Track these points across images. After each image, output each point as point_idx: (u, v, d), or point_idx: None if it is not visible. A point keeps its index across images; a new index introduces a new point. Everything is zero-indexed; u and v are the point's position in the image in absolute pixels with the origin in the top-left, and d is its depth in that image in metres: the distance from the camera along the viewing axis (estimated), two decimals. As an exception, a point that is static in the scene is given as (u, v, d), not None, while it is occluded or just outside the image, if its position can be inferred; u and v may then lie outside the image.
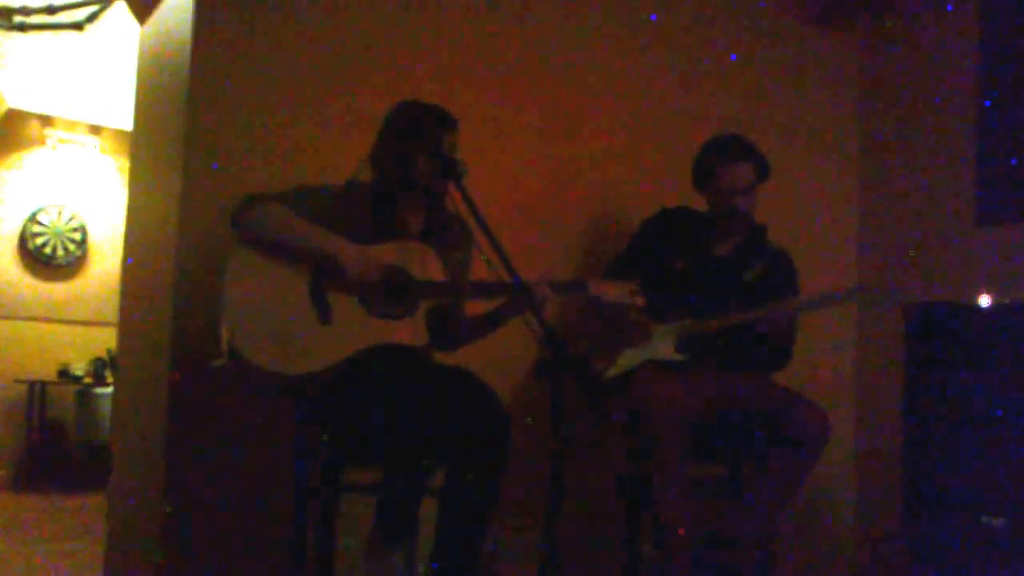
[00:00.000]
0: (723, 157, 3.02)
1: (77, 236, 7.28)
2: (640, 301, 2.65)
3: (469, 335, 2.73)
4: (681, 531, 2.74)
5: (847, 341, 4.20)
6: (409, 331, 2.45)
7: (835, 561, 4.09)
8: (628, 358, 2.99)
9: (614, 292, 2.62)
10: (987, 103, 3.80)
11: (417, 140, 2.53)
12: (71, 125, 7.26)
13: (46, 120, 7.18)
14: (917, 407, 3.64)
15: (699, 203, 3.18)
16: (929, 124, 4.04)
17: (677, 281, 3.07)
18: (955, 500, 3.45)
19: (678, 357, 2.98)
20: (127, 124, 4.04)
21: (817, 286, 3.14)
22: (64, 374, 6.89)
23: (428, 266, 2.51)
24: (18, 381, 6.78)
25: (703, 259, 3.11)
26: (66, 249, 7.22)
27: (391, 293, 2.46)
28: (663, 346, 3.00)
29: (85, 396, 6.75)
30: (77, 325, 7.17)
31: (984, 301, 3.42)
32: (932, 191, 4.00)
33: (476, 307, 2.71)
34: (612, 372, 2.99)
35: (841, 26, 4.29)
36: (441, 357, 2.69)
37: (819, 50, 4.27)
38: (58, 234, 7.19)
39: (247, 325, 2.34)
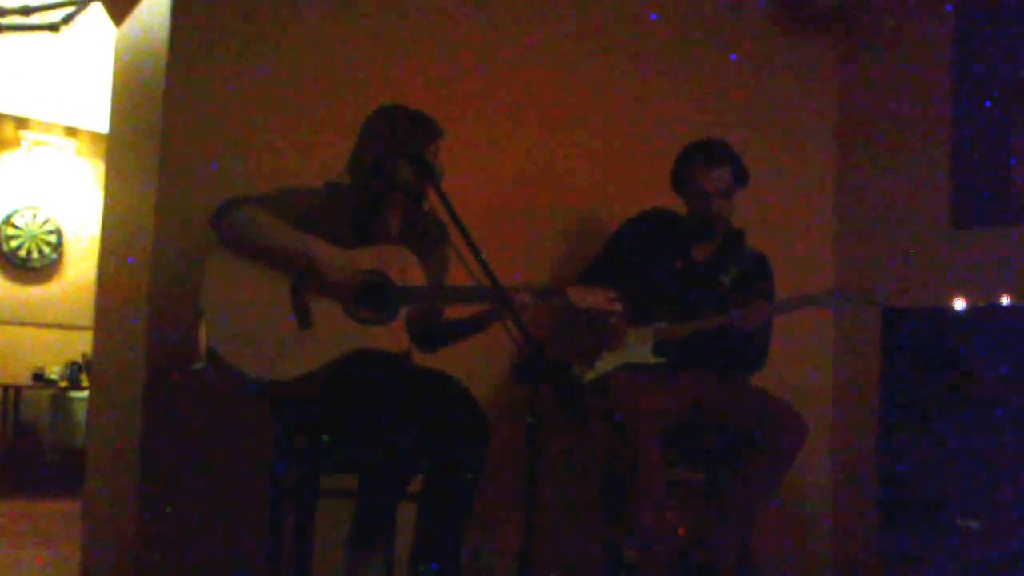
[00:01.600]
0: (704, 160, 3.03)
1: (52, 239, 7.22)
2: (619, 308, 2.67)
3: (449, 338, 2.73)
4: (660, 534, 2.75)
5: (824, 344, 4.21)
6: (389, 336, 2.45)
7: (811, 562, 4.09)
8: (606, 362, 3.00)
9: (593, 299, 2.64)
10: (961, 109, 3.82)
11: (398, 146, 2.53)
12: (47, 127, 7.19)
13: (21, 122, 7.12)
14: (893, 409, 3.67)
15: (677, 208, 3.20)
16: (905, 129, 4.06)
17: (654, 284, 3.08)
18: (930, 502, 3.47)
19: (656, 360, 2.98)
20: (103, 126, 4.01)
21: (794, 290, 3.15)
22: (39, 378, 6.83)
23: (408, 270, 2.51)
24: (-8, 385, 6.73)
25: (681, 262, 3.12)
26: (41, 252, 7.16)
27: (371, 298, 2.45)
28: (641, 349, 3.01)
29: (60, 400, 6.70)
30: (52, 328, 7.11)
31: (959, 305, 3.44)
32: (908, 195, 4.02)
33: (456, 309, 2.71)
34: (590, 376, 2.99)
35: (818, 31, 4.31)
36: (420, 361, 2.68)
37: (796, 55, 4.28)
38: (33, 237, 7.13)
39: (226, 329, 2.33)
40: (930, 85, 3.97)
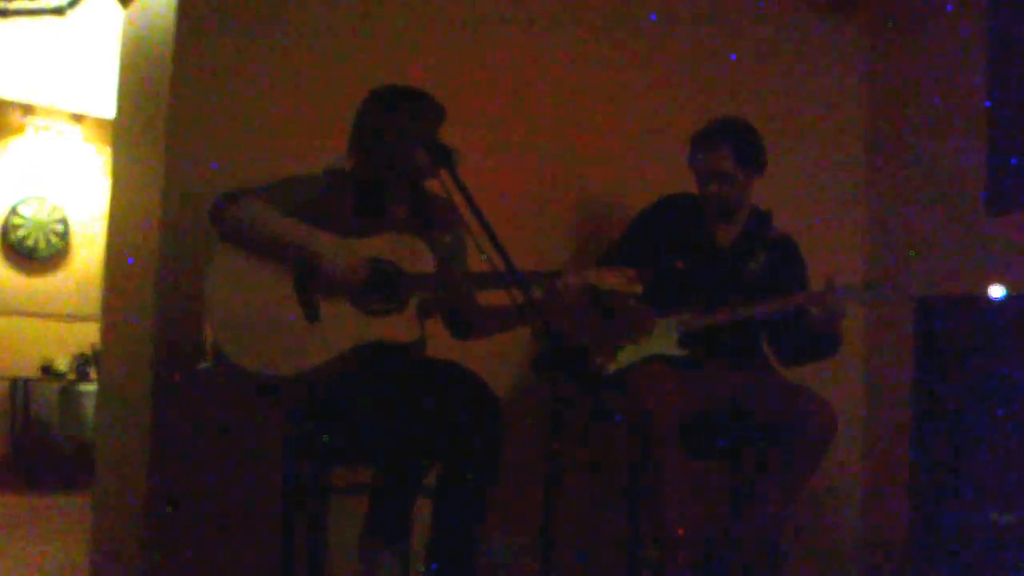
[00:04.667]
0: (700, 141, 2.99)
1: (59, 228, 7.18)
2: (638, 288, 2.58)
3: (487, 325, 2.67)
4: (681, 531, 2.68)
5: (856, 334, 4.15)
6: (400, 326, 2.40)
7: (841, 557, 4.07)
8: (629, 353, 2.91)
9: (613, 279, 2.54)
10: (996, 92, 3.78)
11: (413, 130, 2.47)
12: (52, 113, 7.16)
13: (27, 108, 7.09)
14: (926, 401, 3.63)
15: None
16: (938, 113, 4.02)
17: (678, 273, 2.99)
18: (964, 496, 3.44)
19: (681, 352, 2.90)
20: (110, 112, 3.98)
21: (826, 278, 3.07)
22: (47, 371, 6.82)
23: (419, 257, 2.46)
24: (0, 378, 6.71)
25: (705, 249, 3.04)
26: (48, 242, 7.13)
27: (379, 288, 2.40)
28: (665, 341, 2.92)
29: (69, 393, 6.69)
30: (60, 320, 7.10)
31: (995, 292, 3.40)
32: (942, 181, 3.98)
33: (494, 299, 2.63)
34: (612, 367, 2.91)
35: (848, 13, 4.27)
36: (434, 351, 2.62)
37: (826, 38, 4.25)
38: (39, 226, 7.10)
39: (232, 326, 2.31)
40: (964, 66, 3.92)
